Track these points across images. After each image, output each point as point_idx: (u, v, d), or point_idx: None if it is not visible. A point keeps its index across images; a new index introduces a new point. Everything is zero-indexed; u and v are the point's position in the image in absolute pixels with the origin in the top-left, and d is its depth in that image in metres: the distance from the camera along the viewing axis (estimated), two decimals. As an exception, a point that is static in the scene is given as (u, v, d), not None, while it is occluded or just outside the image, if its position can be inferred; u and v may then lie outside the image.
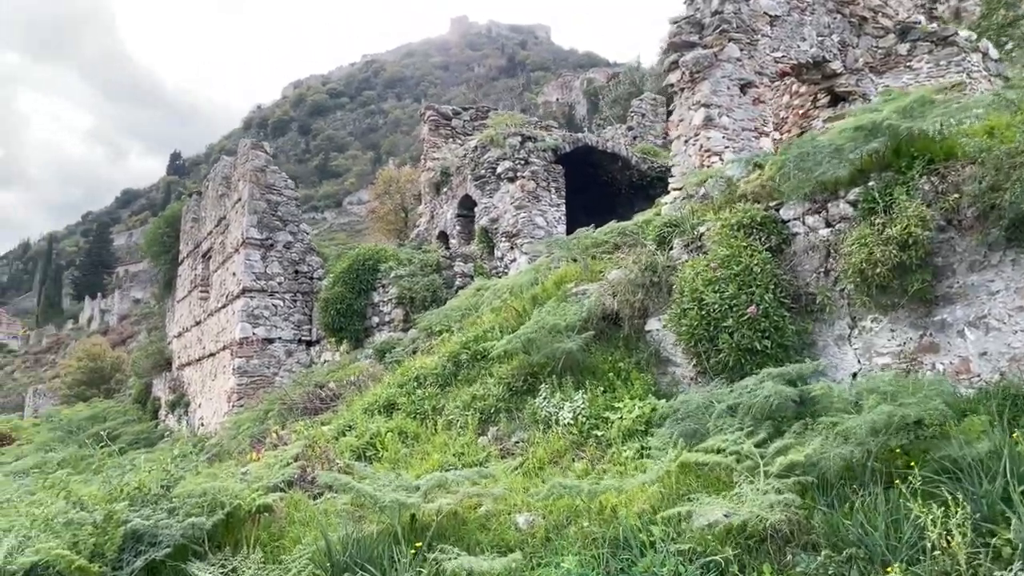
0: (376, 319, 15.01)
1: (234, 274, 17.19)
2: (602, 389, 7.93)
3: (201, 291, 20.37)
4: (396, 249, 15.76)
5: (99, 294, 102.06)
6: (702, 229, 7.90)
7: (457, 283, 14.83)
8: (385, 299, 14.83)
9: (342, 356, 15.05)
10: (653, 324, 8.26)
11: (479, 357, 9.39)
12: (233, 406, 16.17)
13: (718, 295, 6.85)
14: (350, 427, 9.07)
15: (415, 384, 9.49)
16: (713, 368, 6.92)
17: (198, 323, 20.19)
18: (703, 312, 6.95)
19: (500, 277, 14.20)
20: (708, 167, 9.84)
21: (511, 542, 5.25)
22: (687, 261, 7.74)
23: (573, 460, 7.11)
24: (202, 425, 18.26)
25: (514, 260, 14.72)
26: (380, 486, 5.33)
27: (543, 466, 7.04)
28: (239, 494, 5.39)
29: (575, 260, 10.64)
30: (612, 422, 7.41)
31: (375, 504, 5.19)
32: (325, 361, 16.37)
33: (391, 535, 5.06)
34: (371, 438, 8.38)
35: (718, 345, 6.79)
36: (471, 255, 15.14)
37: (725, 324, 6.74)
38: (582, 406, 7.67)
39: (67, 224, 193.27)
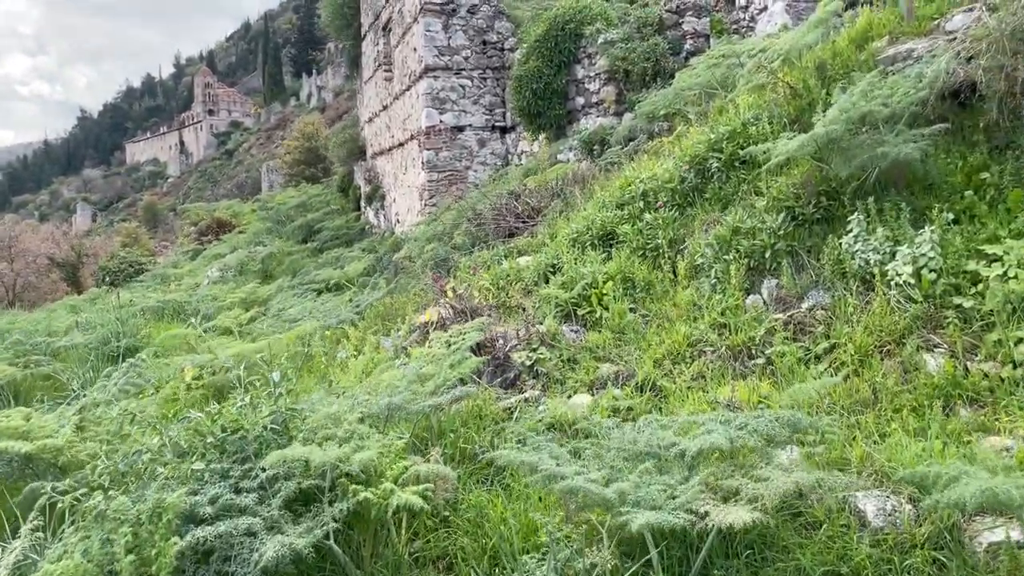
0: (580, 100, 12.04)
1: (415, 49, 14.68)
2: (953, 219, 4.80)
3: (384, 71, 18.23)
4: (604, 4, 12.26)
5: (314, 70, 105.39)
6: None
7: (687, 47, 11.29)
8: (591, 74, 11.72)
9: (541, 148, 12.44)
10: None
11: (735, 164, 6.39)
12: (425, 204, 14.42)
13: None
14: (555, 267, 6.64)
15: (641, 203, 6.76)
16: None
17: (385, 108, 18.30)
18: None
19: (744, 36, 10.49)
20: None
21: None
22: None
23: (920, 350, 4.25)
24: (398, 221, 16.93)
25: (764, 9, 10.78)
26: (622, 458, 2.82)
27: (867, 359, 4.28)
28: (374, 466, 3.09)
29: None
30: (984, 280, 4.36)
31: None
32: (522, 152, 13.88)
33: None
34: (584, 288, 5.91)
35: None
36: (704, 5, 11.35)
37: None
38: (927, 251, 4.62)
39: (281, 1, 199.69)
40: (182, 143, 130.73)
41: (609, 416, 4.24)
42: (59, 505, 3.14)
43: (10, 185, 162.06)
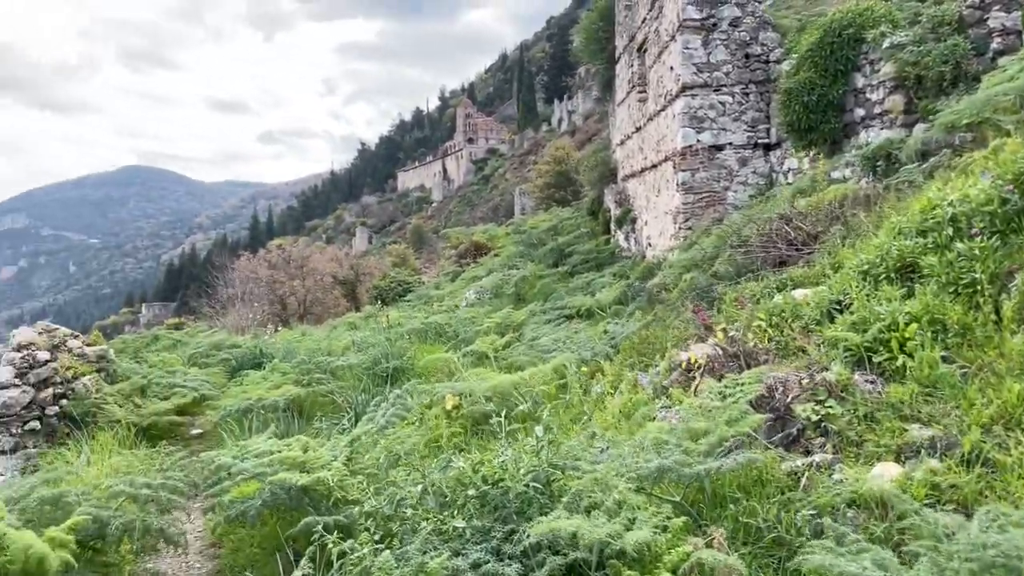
0: (860, 112, 10.82)
1: (671, 68, 14.23)
2: None
3: (639, 92, 17.95)
4: (888, 5, 10.95)
5: (565, 96, 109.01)
6: None
7: (994, 46, 9.70)
8: (873, 82, 10.49)
9: (813, 165, 11.37)
10: None
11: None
12: (679, 228, 13.84)
13: None
14: (840, 303, 5.81)
15: (949, 230, 5.70)
16: None
17: (638, 129, 18.00)
18: None
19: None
20: None
21: None
22: None
23: None
24: (649, 245, 16.48)
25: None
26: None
27: None
28: (649, 546, 2.68)
29: None
30: None
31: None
32: (789, 171, 12.82)
33: None
34: (881, 330, 5.05)
35: None
36: (1018, -4, 9.68)
37: None
38: None
39: (535, 31, 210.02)
40: (445, 170, 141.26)
41: (927, 494, 3.48)
42: (328, 547, 3.12)
43: (303, 211, 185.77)
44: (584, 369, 7.09)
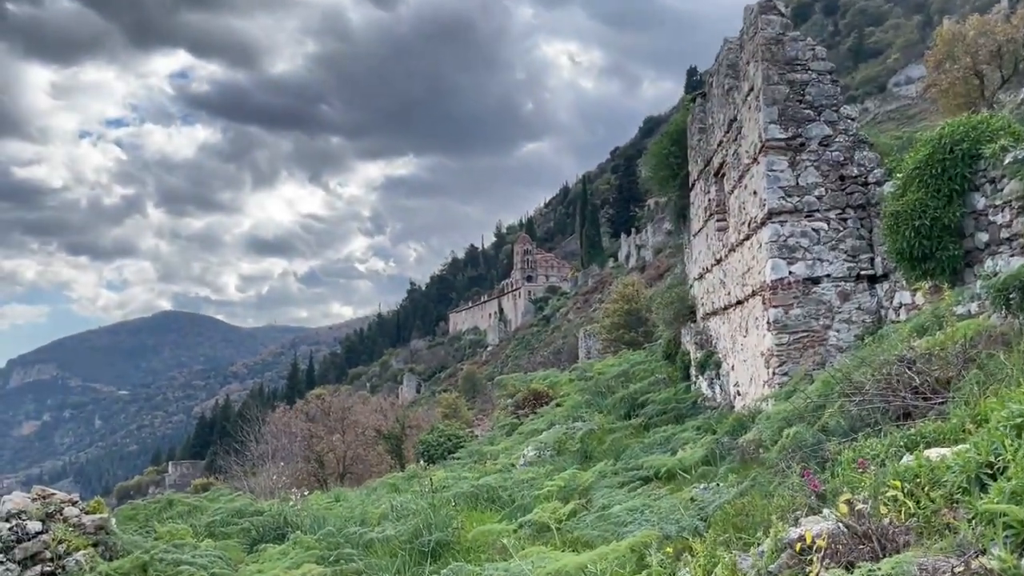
0: (983, 236, 10.35)
1: (754, 193, 14.10)
2: None
3: (717, 220, 17.86)
4: (1006, 117, 10.68)
5: (632, 229, 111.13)
6: None
7: None
8: (997, 202, 10.07)
9: (932, 299, 10.81)
10: None
11: None
12: (773, 373, 13.22)
13: None
14: (992, 466, 5.13)
15: None
16: None
17: (718, 262, 17.75)
18: None
19: None
20: None
21: None
22: None
23: None
24: (738, 394, 15.81)
25: None
26: None
27: None
28: None
29: None
30: None
31: None
32: (901, 305, 12.25)
33: None
34: (1052, 503, 4.37)
35: None
36: None
37: None
38: None
39: (598, 163, 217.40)
40: (501, 311, 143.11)
41: None
42: None
43: (347, 357, 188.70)
44: (668, 549, 6.43)
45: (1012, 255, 9.81)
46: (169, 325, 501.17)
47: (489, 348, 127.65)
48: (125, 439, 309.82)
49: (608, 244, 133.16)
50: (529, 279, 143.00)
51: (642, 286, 49.41)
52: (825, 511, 5.31)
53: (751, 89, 14.17)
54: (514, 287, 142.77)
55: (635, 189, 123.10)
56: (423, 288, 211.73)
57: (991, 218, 10.27)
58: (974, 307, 9.71)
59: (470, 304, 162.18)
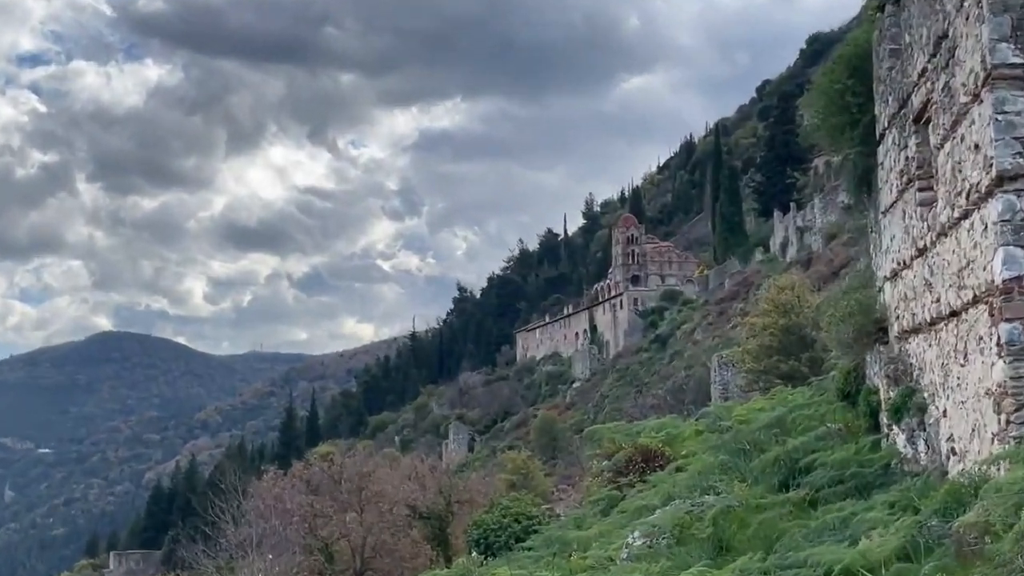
0: None
1: (975, 147, 13.93)
2: None
3: (920, 189, 17.61)
4: None
5: (791, 205, 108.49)
6: None
7: None
8: None
9: None
10: None
11: None
12: (1008, 421, 13.03)
13: None
14: None
15: None
16: None
17: (921, 252, 17.56)
18: None
19: None
20: None
21: None
22: None
23: None
24: (953, 452, 15.64)
25: None
26: None
27: None
28: None
29: None
30: None
31: None
32: None
33: None
34: None
35: None
36: None
37: None
38: None
39: (738, 105, 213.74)
40: (593, 328, 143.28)
41: None
42: None
43: (366, 399, 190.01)
44: None
45: None
46: (109, 353, 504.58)
47: (576, 384, 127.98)
48: (47, 518, 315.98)
49: (754, 227, 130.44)
50: (635, 280, 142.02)
51: (806, 290, 48.51)
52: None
53: (966, -8, 14.07)
54: (613, 293, 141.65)
55: (794, 144, 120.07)
56: (477, 296, 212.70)
57: None
58: None
59: (547, 319, 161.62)
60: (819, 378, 29.73)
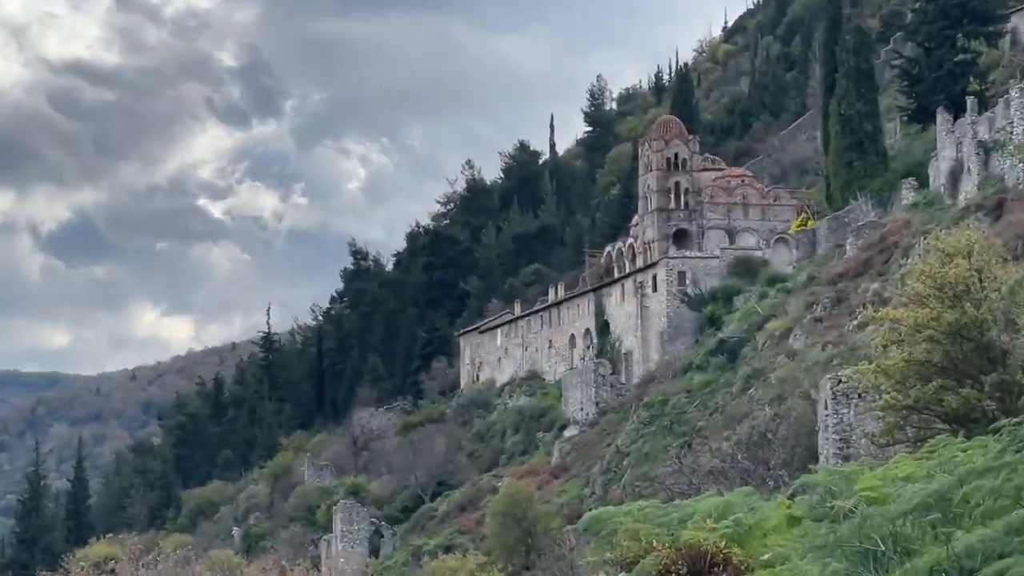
0: None
1: None
2: None
3: None
4: None
5: (969, 101, 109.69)
6: None
7: None
8: None
9: None
10: None
11: None
12: None
13: None
14: None
15: None
16: None
17: None
18: None
19: None
20: None
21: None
22: None
23: None
24: None
25: None
26: None
27: None
28: None
29: None
30: None
31: None
32: None
33: None
34: None
35: None
36: None
37: None
38: None
39: None
40: (602, 328, 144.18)
41: None
42: None
43: (179, 457, 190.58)
44: None
45: None
46: None
47: (570, 432, 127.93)
48: None
49: (900, 141, 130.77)
50: (681, 238, 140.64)
51: (995, 258, 47.95)
52: None
53: None
54: (640, 263, 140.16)
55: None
56: (387, 267, 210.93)
57: None
58: None
59: (516, 311, 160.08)
60: (1016, 421, 29.68)
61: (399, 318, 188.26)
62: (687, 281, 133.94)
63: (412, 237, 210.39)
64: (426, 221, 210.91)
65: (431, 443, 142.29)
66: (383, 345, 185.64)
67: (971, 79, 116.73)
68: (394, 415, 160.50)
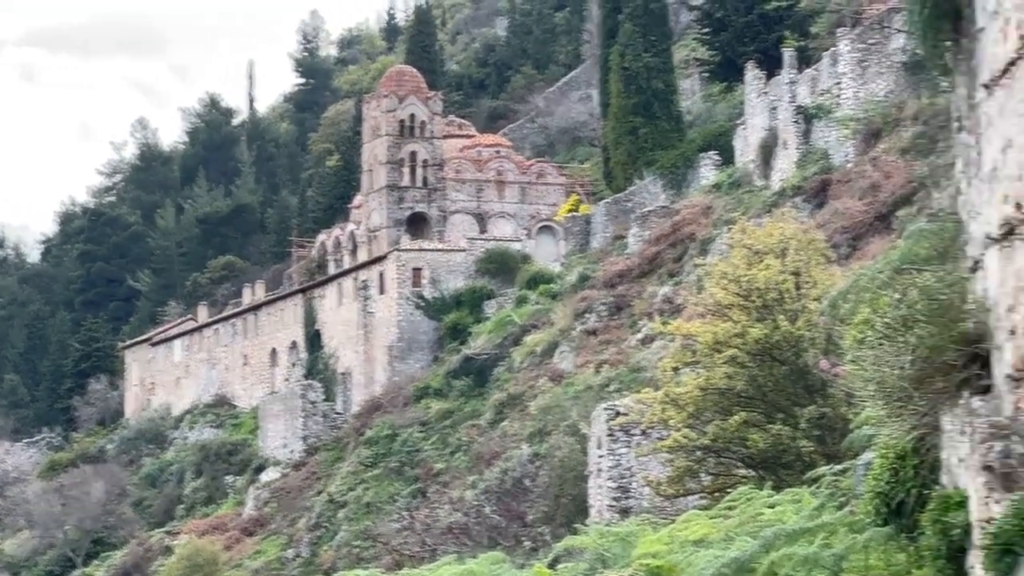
0: None
1: None
2: None
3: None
4: None
5: (785, 56, 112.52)
6: None
7: None
8: None
9: None
10: None
11: None
12: None
13: None
14: None
15: None
16: None
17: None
18: None
19: None
20: None
21: None
22: None
23: None
24: None
25: None
26: None
27: None
28: None
29: None
30: None
31: None
32: None
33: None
34: None
35: None
36: None
37: None
38: None
39: None
40: (313, 339, 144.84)
41: None
42: None
43: None
44: None
45: None
46: None
47: (269, 476, 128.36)
48: None
49: (698, 103, 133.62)
50: (416, 224, 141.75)
51: (816, 257, 49.26)
52: None
53: None
54: (365, 257, 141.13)
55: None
56: (28, 257, 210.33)
57: None
58: None
59: (201, 317, 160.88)
60: (834, 467, 30.29)
61: (46, 324, 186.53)
62: (424, 281, 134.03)
63: (65, 218, 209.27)
64: (84, 198, 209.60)
65: (86, 489, 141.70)
66: (24, 360, 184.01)
67: (788, 29, 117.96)
68: (38, 452, 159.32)
